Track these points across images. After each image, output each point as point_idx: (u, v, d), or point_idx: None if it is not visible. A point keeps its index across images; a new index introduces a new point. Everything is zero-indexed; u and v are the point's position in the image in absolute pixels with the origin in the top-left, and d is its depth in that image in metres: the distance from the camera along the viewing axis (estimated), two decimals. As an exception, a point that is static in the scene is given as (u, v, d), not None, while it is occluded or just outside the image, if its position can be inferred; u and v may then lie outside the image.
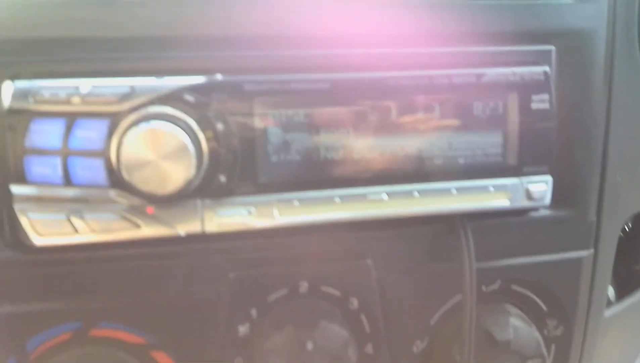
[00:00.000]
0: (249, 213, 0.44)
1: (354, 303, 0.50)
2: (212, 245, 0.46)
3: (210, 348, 0.48)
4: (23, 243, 0.42)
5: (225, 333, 0.48)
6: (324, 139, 0.44)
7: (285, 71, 0.44)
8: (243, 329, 0.48)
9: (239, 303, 0.48)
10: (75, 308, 0.45)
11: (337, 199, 0.45)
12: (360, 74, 0.45)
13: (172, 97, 0.41)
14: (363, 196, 0.46)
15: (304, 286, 0.49)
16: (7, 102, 0.39)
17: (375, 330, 0.51)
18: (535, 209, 0.50)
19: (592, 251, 0.54)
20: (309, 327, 0.47)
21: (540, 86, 0.47)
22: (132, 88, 0.40)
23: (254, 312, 0.48)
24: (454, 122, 0.46)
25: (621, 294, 0.65)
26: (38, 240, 0.41)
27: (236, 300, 0.48)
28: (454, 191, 0.47)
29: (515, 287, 0.54)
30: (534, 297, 0.54)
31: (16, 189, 0.40)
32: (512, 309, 0.54)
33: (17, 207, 0.41)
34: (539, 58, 0.47)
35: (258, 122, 0.43)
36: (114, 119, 0.40)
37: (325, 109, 0.44)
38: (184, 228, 0.43)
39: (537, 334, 0.52)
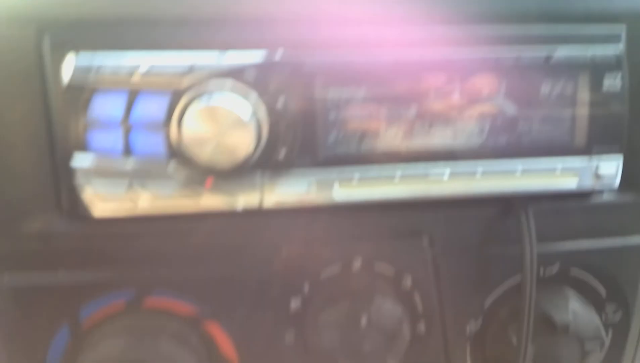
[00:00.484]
0: (308, 187, 0.43)
1: (408, 281, 0.49)
2: (266, 219, 0.45)
3: (262, 321, 0.48)
4: (82, 214, 0.42)
5: (277, 307, 0.48)
6: (385, 115, 0.43)
7: (347, 47, 0.42)
8: (295, 303, 0.48)
9: (292, 277, 0.48)
10: (130, 277, 0.46)
11: (397, 177, 0.44)
12: (424, 51, 0.43)
13: (232, 73, 0.41)
14: (424, 174, 0.45)
15: (357, 263, 0.48)
16: (69, 77, 0.39)
17: (428, 310, 0.50)
18: (603, 191, 0.48)
19: (656, 237, 0.52)
20: (364, 302, 0.46)
21: (612, 65, 0.45)
22: (193, 64, 0.40)
23: (306, 287, 0.48)
24: (522, 100, 0.44)
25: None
26: (98, 211, 0.41)
27: (289, 274, 0.47)
28: (520, 172, 0.45)
29: (575, 271, 0.52)
30: (593, 282, 0.53)
31: (77, 161, 0.41)
32: (571, 292, 0.52)
33: (78, 178, 0.41)
34: (610, 37, 0.45)
35: (318, 98, 0.42)
36: (175, 94, 0.40)
37: (386, 85, 0.43)
38: (243, 201, 0.43)
39: (596, 318, 0.51)
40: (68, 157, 0.41)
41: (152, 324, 0.47)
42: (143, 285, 0.46)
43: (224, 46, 0.41)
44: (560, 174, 0.46)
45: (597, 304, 0.53)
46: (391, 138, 0.44)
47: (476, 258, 0.50)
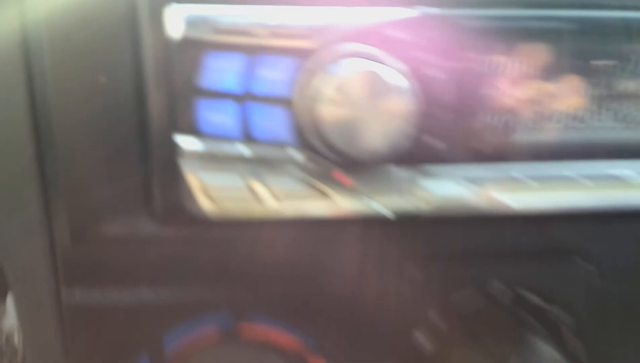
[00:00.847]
0: (467, 189, 0.34)
1: (558, 314, 0.39)
2: (388, 230, 0.36)
3: (380, 359, 0.38)
4: (179, 213, 0.33)
5: (397, 341, 0.38)
6: (560, 96, 0.34)
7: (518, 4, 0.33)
8: (420, 337, 0.39)
9: (415, 303, 0.38)
10: (225, 297, 0.37)
11: (582, 179, 0.35)
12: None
13: (376, 34, 0.32)
14: (607, 176, 0.35)
15: (497, 289, 0.39)
16: (177, 31, 0.31)
17: (584, 352, 0.40)
18: None
19: None
20: (512, 340, 0.37)
21: None
22: (328, 20, 0.31)
23: (433, 316, 0.38)
24: None
25: None
26: (211, 208, 0.32)
27: (412, 298, 0.38)
28: None
29: None
30: None
31: (184, 141, 0.32)
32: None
33: (179, 167, 0.32)
34: None
35: (484, 72, 0.33)
36: (304, 58, 0.31)
37: (565, 56, 0.34)
38: (385, 202, 0.33)
39: None
40: (166, 139, 0.32)
41: (250, 357, 0.37)
42: (239, 306, 0.37)
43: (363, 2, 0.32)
44: None
45: None
46: (568, 127, 0.34)
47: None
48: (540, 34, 0.33)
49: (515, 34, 0.33)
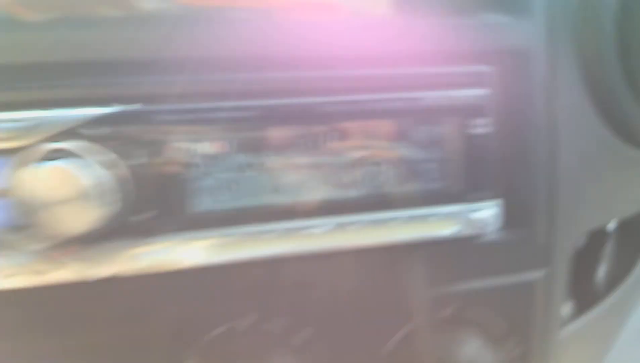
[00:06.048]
0: (171, 252, 0.40)
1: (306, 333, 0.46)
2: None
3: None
4: None
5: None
6: (252, 170, 0.41)
7: (200, 97, 0.40)
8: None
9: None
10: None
11: (273, 235, 0.42)
12: (289, 100, 0.41)
13: (73, 132, 0.37)
14: (301, 230, 0.42)
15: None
16: None
17: None
18: (483, 236, 0.47)
19: (545, 271, 0.51)
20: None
21: (479, 109, 0.44)
22: (31, 122, 0.37)
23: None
24: (392, 149, 0.43)
25: (582, 311, 0.62)
26: None
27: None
28: (396, 221, 0.44)
29: (470, 311, 0.51)
30: (490, 320, 0.51)
31: None
32: (467, 335, 0.51)
33: None
34: (478, 80, 0.44)
35: (174, 156, 0.39)
36: (12, 157, 0.37)
37: (252, 137, 0.41)
38: (97, 272, 0.39)
39: (494, 358, 0.49)
40: None
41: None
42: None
43: (66, 101, 0.38)
44: (437, 222, 0.45)
45: (496, 341, 0.52)
46: (262, 193, 0.41)
47: (369, 306, 0.48)
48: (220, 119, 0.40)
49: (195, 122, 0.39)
